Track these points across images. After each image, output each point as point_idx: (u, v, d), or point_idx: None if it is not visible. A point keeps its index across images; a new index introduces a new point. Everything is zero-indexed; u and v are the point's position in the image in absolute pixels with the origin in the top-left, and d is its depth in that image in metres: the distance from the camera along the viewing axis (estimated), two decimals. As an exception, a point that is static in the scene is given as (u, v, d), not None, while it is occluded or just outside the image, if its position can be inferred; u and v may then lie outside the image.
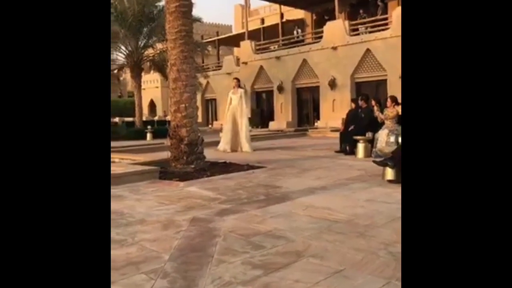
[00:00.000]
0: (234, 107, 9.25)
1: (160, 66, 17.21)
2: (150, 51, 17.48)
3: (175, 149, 6.17)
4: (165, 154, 6.53)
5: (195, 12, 19.35)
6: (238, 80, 9.80)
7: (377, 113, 7.50)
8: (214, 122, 23.32)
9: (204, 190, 4.69)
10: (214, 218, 3.44)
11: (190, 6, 6.44)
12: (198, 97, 22.07)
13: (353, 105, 9.13)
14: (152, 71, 21.05)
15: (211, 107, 25.74)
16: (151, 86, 33.93)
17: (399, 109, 7.51)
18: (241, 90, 9.54)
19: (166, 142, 6.50)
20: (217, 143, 11.81)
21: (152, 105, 35.17)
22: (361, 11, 18.36)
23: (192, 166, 6.02)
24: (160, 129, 14.38)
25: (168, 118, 6.99)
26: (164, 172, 5.83)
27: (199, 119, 22.01)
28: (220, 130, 13.79)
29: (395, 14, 15.23)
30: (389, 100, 7.52)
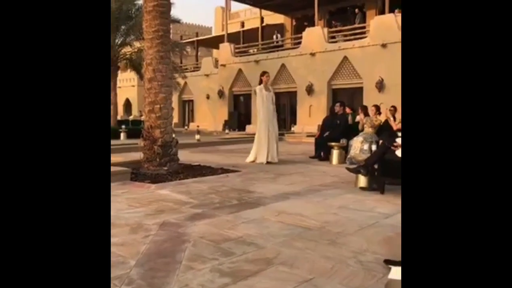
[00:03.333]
0: (270, 110, 7.54)
1: (136, 65, 16.97)
2: (127, 49, 17.21)
3: (148, 150, 6.06)
4: (138, 155, 6.40)
5: (175, 13, 19.24)
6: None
7: (364, 120, 7.63)
8: (191, 124, 23.14)
9: (176, 194, 4.61)
10: (185, 222, 3.38)
11: (168, 6, 6.35)
12: (175, 97, 21.93)
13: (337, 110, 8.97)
14: (128, 70, 20.72)
15: (188, 108, 25.55)
16: (127, 85, 33.42)
17: (381, 118, 7.75)
18: (273, 90, 7.92)
19: (140, 142, 6.37)
20: (193, 145, 11.73)
21: (127, 105, 34.63)
22: (333, 21, 18.64)
23: (165, 168, 5.92)
24: (135, 129, 14.13)
25: (143, 118, 6.84)
26: (136, 173, 5.71)
27: (175, 120, 21.82)
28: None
29: (373, 23, 15.51)
30: (373, 108, 7.72)
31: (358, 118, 8.08)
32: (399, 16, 14.71)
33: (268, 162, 7.31)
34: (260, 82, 7.74)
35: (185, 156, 7.43)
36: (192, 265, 2.42)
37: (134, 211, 3.76)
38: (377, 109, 7.73)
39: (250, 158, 7.60)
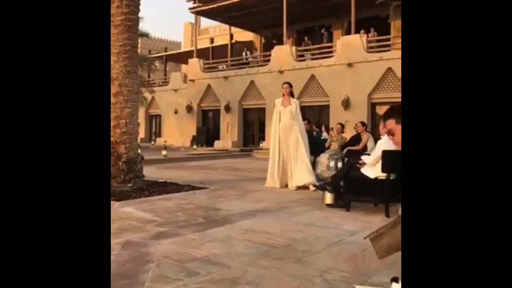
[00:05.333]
0: (285, 127, 6.48)
1: (103, 78, 16.63)
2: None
3: (112, 167, 5.89)
4: (102, 171, 6.21)
5: (144, 27, 19.06)
6: (291, 85, 6.80)
7: (334, 138, 7.93)
8: (158, 139, 22.80)
9: (140, 212, 4.48)
10: (149, 242, 3.28)
11: (136, 20, 6.30)
12: (142, 112, 21.59)
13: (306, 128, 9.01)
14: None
15: (155, 123, 25.19)
16: (93, 98, 32.62)
17: (344, 136, 8.17)
18: (295, 102, 6.65)
19: (104, 158, 6.20)
20: (160, 160, 11.53)
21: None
22: (305, 37, 19.07)
23: (130, 185, 5.78)
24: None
25: (108, 133, 6.69)
26: (99, 190, 5.53)
27: (142, 135, 21.44)
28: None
29: (340, 43, 15.95)
30: (339, 126, 8.08)
31: (324, 135, 8.31)
32: (364, 37, 15.23)
33: (283, 186, 6.40)
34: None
35: (151, 172, 7.28)
36: (155, 286, 2.34)
37: (95, 230, 3.62)
38: (342, 127, 8.09)
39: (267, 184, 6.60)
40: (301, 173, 6.29)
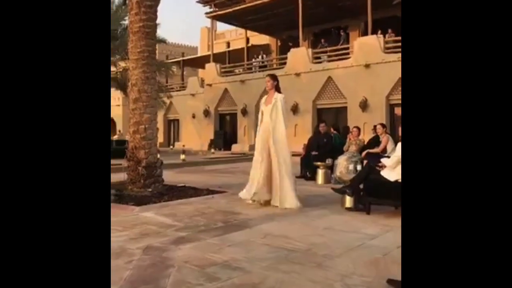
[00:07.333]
0: (266, 128, 5.26)
1: (122, 84, 16.90)
2: (112, 69, 17.17)
3: (132, 172, 5.98)
4: (122, 176, 6.30)
5: (161, 33, 19.32)
6: (275, 78, 5.82)
7: (352, 141, 7.96)
8: (176, 143, 23.02)
9: (160, 216, 4.53)
10: (169, 246, 3.31)
11: (154, 27, 6.38)
12: (161, 117, 21.86)
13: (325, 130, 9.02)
14: (113, 89, 20.62)
15: (173, 128, 25.46)
16: (112, 104, 33.20)
17: (362, 138, 8.15)
18: (275, 98, 5.45)
19: (124, 163, 6.29)
20: (178, 165, 11.63)
21: (112, 124, 34.32)
22: (322, 40, 18.98)
23: (150, 189, 5.84)
24: (119, 149, 13.90)
25: (127, 138, 6.71)
26: (120, 195, 5.61)
27: (161, 139, 21.70)
28: (181, 151, 13.59)
29: (357, 44, 15.83)
30: (355, 130, 8.08)
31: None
32: (381, 38, 15.08)
33: (267, 204, 5.14)
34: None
35: (170, 177, 7.35)
36: (176, 292, 2.36)
37: (117, 235, 3.67)
38: (359, 130, 8.13)
39: (241, 195, 5.45)
40: (286, 194, 5.04)
